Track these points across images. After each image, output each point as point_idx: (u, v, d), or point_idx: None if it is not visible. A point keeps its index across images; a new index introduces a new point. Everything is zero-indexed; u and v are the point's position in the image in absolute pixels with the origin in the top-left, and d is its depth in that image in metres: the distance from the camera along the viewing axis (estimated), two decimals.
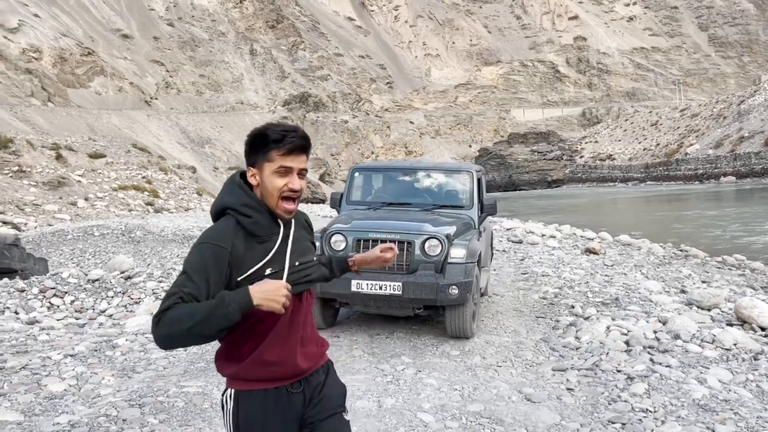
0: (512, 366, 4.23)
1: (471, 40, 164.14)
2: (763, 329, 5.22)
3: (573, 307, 5.93)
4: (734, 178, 55.48)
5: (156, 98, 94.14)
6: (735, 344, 4.67)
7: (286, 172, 1.69)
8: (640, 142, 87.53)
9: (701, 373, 3.99)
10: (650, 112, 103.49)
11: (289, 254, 1.73)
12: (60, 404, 3.50)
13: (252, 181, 1.73)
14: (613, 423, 3.17)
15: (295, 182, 1.70)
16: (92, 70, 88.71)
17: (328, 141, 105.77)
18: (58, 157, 38.43)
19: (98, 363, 4.29)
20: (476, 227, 5.71)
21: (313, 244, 1.93)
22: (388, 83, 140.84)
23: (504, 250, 11.08)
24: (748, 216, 23.71)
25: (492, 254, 7.54)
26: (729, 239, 16.92)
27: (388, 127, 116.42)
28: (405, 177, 6.23)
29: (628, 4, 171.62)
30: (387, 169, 6.49)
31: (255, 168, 1.71)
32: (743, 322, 5.41)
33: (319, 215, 20.64)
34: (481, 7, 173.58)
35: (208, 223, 17.38)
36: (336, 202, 6.08)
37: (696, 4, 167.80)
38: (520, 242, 12.47)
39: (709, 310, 5.98)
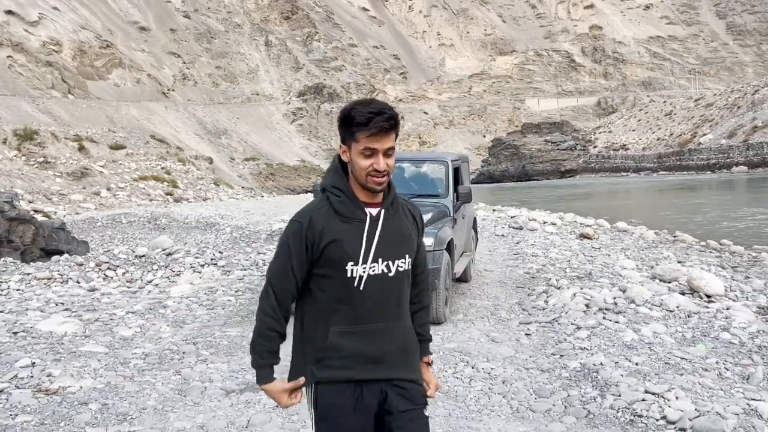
0: (487, 321, 5.23)
1: (485, 30, 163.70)
2: (708, 296, 6.16)
3: (550, 279, 6.91)
4: (746, 167, 55.70)
5: (173, 90, 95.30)
6: (677, 307, 5.62)
7: (371, 153, 1.72)
8: (653, 132, 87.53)
9: (640, 326, 4.95)
10: (665, 101, 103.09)
11: (365, 240, 1.74)
12: (132, 343, 4.57)
13: (344, 157, 1.79)
14: (554, 354, 4.15)
15: (380, 163, 1.72)
16: (111, 63, 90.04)
17: None
18: (81, 148, 39.78)
19: (154, 318, 5.34)
20: (451, 215, 5.94)
21: (415, 242, 1.89)
22: (402, 73, 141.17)
23: (503, 235, 12.04)
24: (752, 204, 24.36)
25: (476, 240, 7.90)
26: (725, 226, 17.68)
27: (402, 117, 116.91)
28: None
29: None
30: None
31: (345, 145, 1.78)
32: (693, 291, 6.35)
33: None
34: None
35: (227, 211, 18.71)
36: (318, 193, 6.44)
37: None
38: (521, 228, 13.38)
39: (669, 282, 6.92)
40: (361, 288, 1.71)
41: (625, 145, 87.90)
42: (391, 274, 1.75)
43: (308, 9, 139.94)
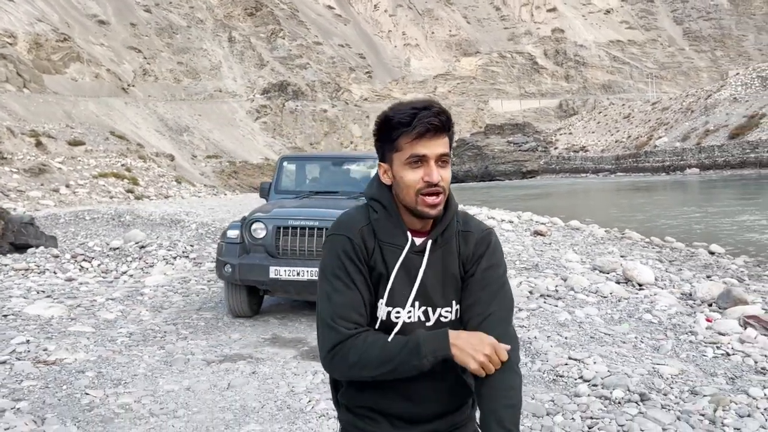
0: None
1: (450, 31, 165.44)
2: (640, 285, 6.84)
3: None
4: (698, 170, 57.89)
5: (133, 85, 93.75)
6: (611, 293, 6.28)
7: (419, 161, 1.34)
8: (612, 135, 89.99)
9: (575, 309, 5.57)
10: (623, 105, 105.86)
11: (417, 284, 1.37)
12: (115, 324, 4.99)
13: (385, 180, 1.41)
14: None
15: (433, 173, 1.33)
16: (68, 56, 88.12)
17: (307, 130, 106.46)
18: (38, 144, 39.22)
19: (133, 303, 5.75)
20: None
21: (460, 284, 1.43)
22: (367, 72, 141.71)
23: None
24: (699, 204, 25.61)
25: None
26: (669, 224, 18.68)
27: (367, 116, 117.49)
28: (333, 166, 6.40)
29: None
30: (315, 158, 6.75)
31: (385, 163, 1.40)
32: (627, 280, 7.04)
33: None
34: None
35: (192, 209, 18.99)
36: (265, 192, 6.12)
37: None
38: None
39: (608, 273, 7.60)
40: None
41: (584, 146, 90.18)
42: (429, 324, 1.38)
43: (273, 6, 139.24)
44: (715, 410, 3.15)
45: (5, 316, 5.05)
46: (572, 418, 3.11)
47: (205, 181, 56.05)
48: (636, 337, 4.62)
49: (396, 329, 1.36)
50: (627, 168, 70.11)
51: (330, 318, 1.32)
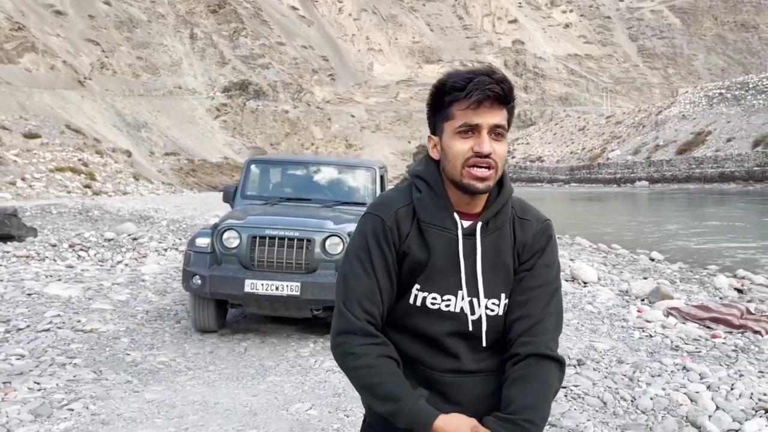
0: None
1: (413, 37, 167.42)
2: (585, 282, 7.81)
3: None
4: (647, 183, 60.45)
5: (90, 78, 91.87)
6: None
7: (471, 131, 1.22)
8: (568, 146, 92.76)
9: None
10: (579, 117, 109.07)
11: (464, 271, 1.25)
12: (129, 304, 5.64)
13: (433, 154, 1.31)
14: None
15: (485, 143, 1.21)
16: (22, 46, 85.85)
17: (267, 130, 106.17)
18: None
19: (137, 288, 6.39)
20: None
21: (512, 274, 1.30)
22: (330, 75, 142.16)
23: None
24: (644, 215, 27.20)
25: None
26: (619, 233, 20.00)
27: (329, 119, 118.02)
28: (304, 171, 6.05)
29: (565, 12, 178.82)
30: (285, 162, 6.38)
31: (436, 135, 1.30)
32: (574, 278, 8.00)
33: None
34: (424, 5, 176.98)
35: (159, 205, 19.66)
36: (229, 196, 5.73)
37: (627, 15, 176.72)
38: None
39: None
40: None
41: (541, 157, 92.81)
42: (474, 317, 1.28)
43: (236, 4, 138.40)
44: (634, 372, 4.06)
45: (29, 294, 5.64)
46: None
47: (163, 179, 55.56)
48: (578, 323, 5.53)
49: (434, 316, 1.27)
50: (581, 179, 72.61)
51: (343, 303, 1.27)
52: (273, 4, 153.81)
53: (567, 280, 7.87)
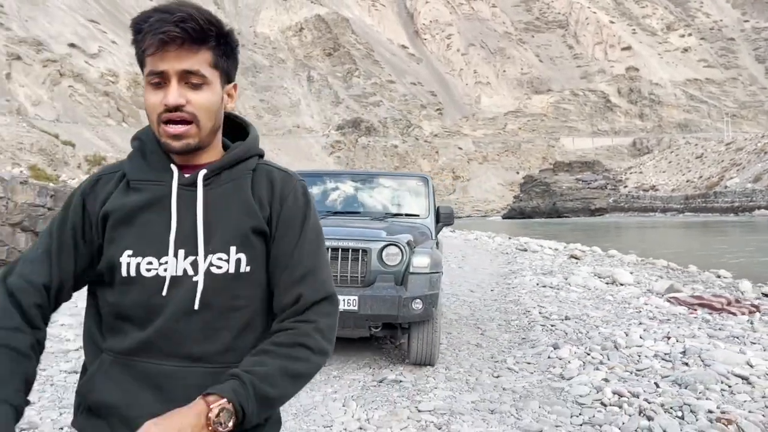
0: (465, 283, 8.70)
1: (522, 69, 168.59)
2: (621, 284, 9.49)
3: (522, 271, 10.32)
4: (767, 211, 57.78)
5: None
6: (594, 287, 8.97)
7: (159, 81, 1.03)
8: (683, 174, 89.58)
9: (561, 292, 8.31)
10: (696, 144, 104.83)
11: (174, 229, 1.05)
12: None
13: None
14: (503, 296, 7.60)
15: (170, 94, 1.02)
16: None
17: (378, 164, 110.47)
18: None
19: None
20: (433, 237, 5.40)
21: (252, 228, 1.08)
22: (438, 109, 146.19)
23: (507, 253, 15.46)
24: (758, 243, 27.07)
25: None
26: (710, 257, 20.63)
27: (437, 152, 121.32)
28: (354, 184, 5.98)
29: (683, 36, 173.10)
30: (333, 174, 6.31)
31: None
32: (614, 281, 9.70)
33: None
34: (533, 37, 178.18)
35: None
36: None
37: (753, 35, 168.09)
38: (525, 250, 16.77)
39: (604, 277, 10.24)
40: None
41: (654, 186, 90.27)
42: (196, 278, 1.05)
43: (349, 46, 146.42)
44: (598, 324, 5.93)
45: None
46: (520, 322, 5.98)
47: None
48: (588, 303, 7.37)
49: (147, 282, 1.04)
50: (696, 208, 70.26)
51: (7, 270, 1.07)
52: (384, 44, 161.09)
53: (607, 283, 9.58)
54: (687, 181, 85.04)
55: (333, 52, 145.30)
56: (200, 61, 1.04)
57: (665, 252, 22.04)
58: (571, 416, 3.27)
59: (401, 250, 4.37)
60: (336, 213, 5.56)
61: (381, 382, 3.81)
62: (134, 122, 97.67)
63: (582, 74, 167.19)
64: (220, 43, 1.07)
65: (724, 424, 3.20)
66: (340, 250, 4.36)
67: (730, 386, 3.91)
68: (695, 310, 7.04)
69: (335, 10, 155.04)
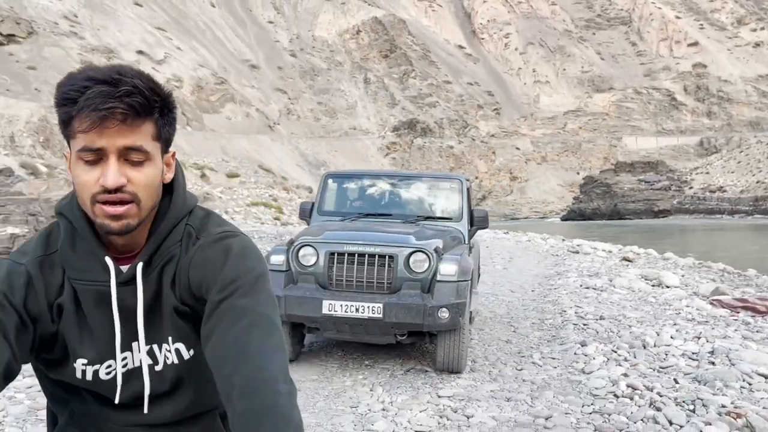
0: (513, 292, 8.86)
1: (582, 67, 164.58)
2: (668, 286, 9.45)
3: (567, 273, 10.39)
4: None
5: (278, 123, 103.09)
6: (639, 289, 8.99)
7: (94, 158, 0.91)
8: (754, 175, 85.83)
9: (605, 294, 8.37)
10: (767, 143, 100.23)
11: (118, 329, 0.98)
12: None
13: (69, 175, 0.96)
14: (543, 296, 7.74)
15: (109, 175, 0.90)
16: (224, 98, 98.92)
17: (433, 166, 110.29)
18: (203, 175, 46.15)
19: None
20: (466, 242, 5.27)
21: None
22: (495, 109, 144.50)
23: (557, 255, 15.46)
24: None
25: (479, 275, 6.91)
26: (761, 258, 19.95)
27: (494, 152, 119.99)
28: (384, 185, 5.81)
29: (755, 30, 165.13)
30: (364, 175, 6.15)
31: (70, 149, 0.95)
32: (660, 283, 9.66)
33: None
34: (594, 34, 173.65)
35: None
36: (306, 213, 5.53)
37: None
38: (577, 252, 16.68)
39: (650, 280, 10.20)
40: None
41: (722, 186, 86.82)
42: (159, 368, 1.02)
43: (406, 47, 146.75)
44: (633, 324, 6.04)
45: None
46: (554, 321, 6.15)
47: None
48: (629, 304, 7.44)
49: (113, 385, 1.00)
50: (766, 210, 67.22)
51: None
52: (441, 44, 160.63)
53: (654, 286, 9.55)
54: (757, 182, 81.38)
55: (389, 53, 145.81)
56: (143, 136, 0.94)
57: (726, 255, 21.42)
58: (583, 405, 3.48)
59: (429, 257, 4.32)
60: (367, 215, 5.45)
61: (408, 371, 4.10)
62: (198, 125, 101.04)
63: (646, 72, 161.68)
64: (164, 113, 0.97)
65: (733, 417, 3.35)
66: (366, 255, 4.34)
67: (750, 384, 4.02)
68: (737, 312, 7.03)
69: (392, 12, 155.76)
